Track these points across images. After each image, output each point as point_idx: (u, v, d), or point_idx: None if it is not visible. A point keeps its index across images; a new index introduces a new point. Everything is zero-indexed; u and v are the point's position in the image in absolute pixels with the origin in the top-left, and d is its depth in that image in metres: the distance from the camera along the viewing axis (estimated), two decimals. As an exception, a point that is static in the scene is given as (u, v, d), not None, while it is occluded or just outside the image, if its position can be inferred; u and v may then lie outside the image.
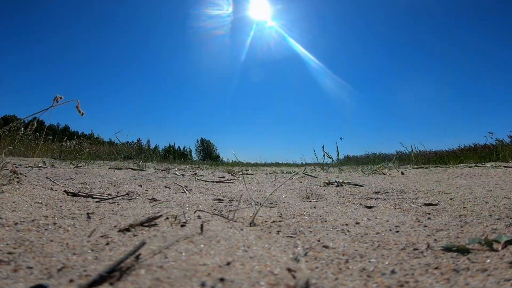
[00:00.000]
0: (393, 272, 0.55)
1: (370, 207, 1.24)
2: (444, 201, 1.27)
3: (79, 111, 1.06)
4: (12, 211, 0.93)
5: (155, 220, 0.85)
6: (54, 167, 2.88)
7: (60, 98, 1.02)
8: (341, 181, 2.39)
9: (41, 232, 0.75)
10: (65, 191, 1.40)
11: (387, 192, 1.73)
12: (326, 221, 0.98)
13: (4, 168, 1.43)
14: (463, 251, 0.64)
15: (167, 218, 0.91)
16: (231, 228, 0.82)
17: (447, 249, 0.66)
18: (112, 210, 1.07)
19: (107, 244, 0.67)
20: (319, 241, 0.76)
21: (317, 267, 0.58)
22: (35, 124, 1.12)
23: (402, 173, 3.50)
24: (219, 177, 3.22)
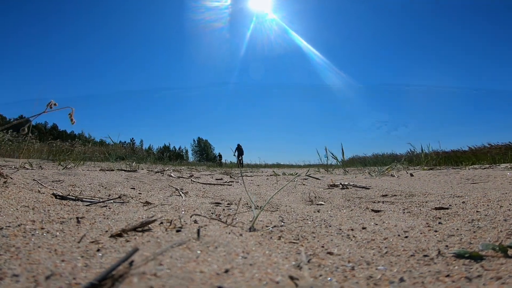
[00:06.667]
0: (401, 280, 0.55)
1: (377, 211, 1.24)
2: (456, 204, 1.27)
3: (72, 120, 1.09)
4: (-3, 215, 0.93)
5: (149, 225, 0.85)
6: (42, 169, 2.88)
7: (55, 104, 1.07)
8: (346, 183, 2.39)
9: (28, 238, 0.75)
10: (53, 194, 1.40)
11: (395, 195, 1.73)
12: (330, 226, 0.98)
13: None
14: (476, 257, 0.64)
15: (162, 222, 0.91)
16: (229, 233, 0.82)
17: (459, 255, 0.66)
18: (103, 214, 1.07)
19: (98, 250, 0.67)
20: (323, 247, 0.76)
21: (321, 275, 0.58)
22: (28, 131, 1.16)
23: (412, 175, 3.50)
24: (216, 179, 3.22)
